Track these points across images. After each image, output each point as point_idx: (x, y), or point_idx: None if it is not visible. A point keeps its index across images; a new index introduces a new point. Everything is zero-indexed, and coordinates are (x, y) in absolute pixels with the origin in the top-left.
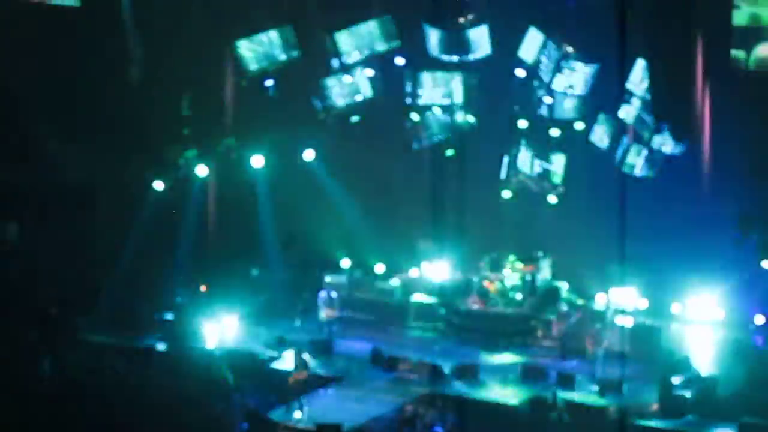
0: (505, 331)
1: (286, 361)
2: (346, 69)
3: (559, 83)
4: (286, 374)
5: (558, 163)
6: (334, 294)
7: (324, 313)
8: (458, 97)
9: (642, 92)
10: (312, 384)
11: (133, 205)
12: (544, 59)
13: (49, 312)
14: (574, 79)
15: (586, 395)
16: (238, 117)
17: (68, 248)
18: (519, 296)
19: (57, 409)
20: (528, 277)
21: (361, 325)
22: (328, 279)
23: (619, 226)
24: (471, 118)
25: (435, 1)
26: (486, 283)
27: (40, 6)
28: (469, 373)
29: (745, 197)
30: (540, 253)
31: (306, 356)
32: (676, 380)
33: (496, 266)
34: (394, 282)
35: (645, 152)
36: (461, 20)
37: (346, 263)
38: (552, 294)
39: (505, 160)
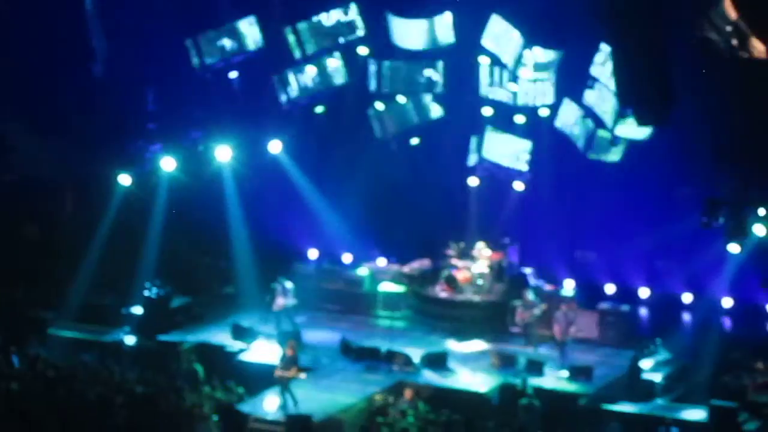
0: (474, 319)
1: (255, 353)
2: (310, 60)
3: (522, 70)
4: (257, 366)
5: (524, 149)
6: (288, 284)
7: (277, 303)
8: (423, 86)
9: (606, 77)
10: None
11: (100, 199)
12: (507, 46)
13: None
14: (538, 65)
15: (555, 381)
16: (203, 110)
17: (35, 243)
18: (487, 283)
19: (27, 405)
20: (496, 264)
21: (329, 315)
22: (295, 270)
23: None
24: (436, 106)
25: None
26: (454, 271)
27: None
28: (439, 361)
29: (711, 181)
30: (507, 240)
31: (292, 350)
32: (645, 364)
33: (465, 254)
34: (362, 271)
35: (610, 137)
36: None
37: (313, 254)
38: (520, 280)
39: (472, 147)
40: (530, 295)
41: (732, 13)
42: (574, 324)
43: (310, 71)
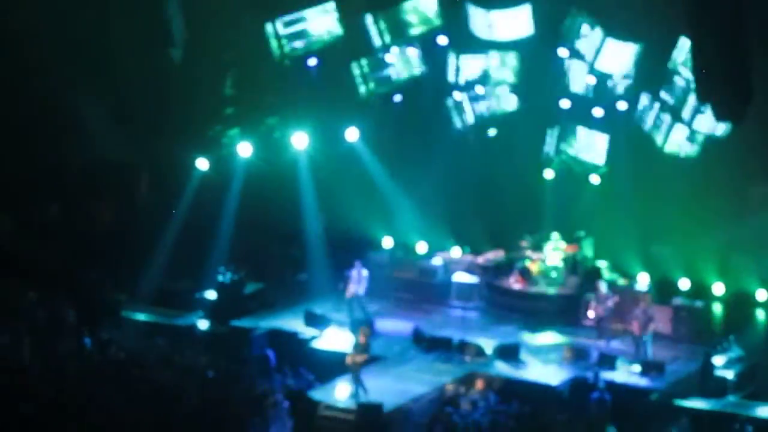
0: (547, 311)
1: (327, 340)
2: (388, 48)
3: (601, 63)
4: (329, 354)
5: (601, 143)
6: (364, 272)
7: (349, 290)
8: (501, 77)
9: (685, 71)
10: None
11: (176, 183)
12: (586, 39)
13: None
14: (617, 58)
15: (627, 376)
16: (281, 97)
17: (111, 227)
18: (561, 276)
19: (99, 388)
20: (570, 257)
21: (402, 304)
22: (369, 258)
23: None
24: (514, 98)
25: None
26: (528, 263)
27: None
28: (511, 352)
29: None
30: (582, 233)
31: (364, 338)
32: (718, 361)
33: (538, 246)
34: (436, 261)
35: (688, 132)
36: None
37: (387, 242)
38: (594, 274)
39: (548, 140)
40: (604, 289)
41: None
42: (653, 320)
43: (389, 60)
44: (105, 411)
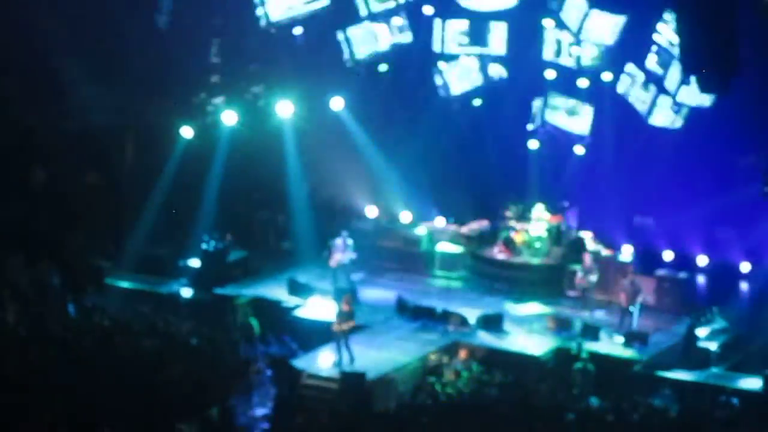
0: (531, 281)
1: (311, 309)
2: (374, 17)
3: (586, 33)
4: (312, 323)
5: (585, 114)
6: (349, 241)
7: (334, 259)
8: (486, 47)
9: (670, 43)
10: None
11: (161, 149)
12: (572, 9)
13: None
14: (602, 29)
15: (610, 346)
16: (266, 65)
17: (95, 192)
18: (545, 246)
19: (84, 353)
20: (554, 228)
21: (385, 273)
22: (354, 227)
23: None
24: (500, 68)
25: None
26: (512, 233)
27: None
28: (494, 322)
29: None
30: (566, 204)
31: (348, 305)
32: (701, 332)
33: (523, 216)
34: (420, 231)
35: (672, 104)
36: None
37: (372, 211)
38: (578, 244)
39: (533, 110)
40: (590, 260)
41: None
42: (641, 292)
43: (375, 28)
44: (89, 377)
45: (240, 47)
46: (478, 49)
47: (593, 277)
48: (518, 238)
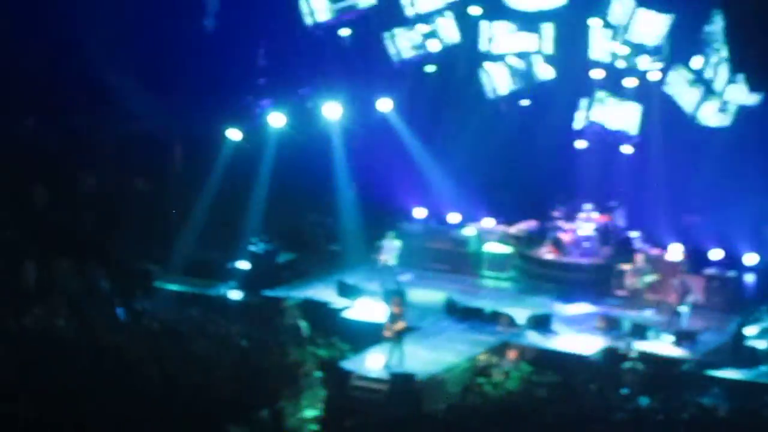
0: (580, 281)
1: (359, 311)
2: (422, 18)
3: (634, 32)
4: (361, 324)
5: (633, 113)
6: (397, 243)
7: (381, 259)
8: (534, 47)
9: (718, 42)
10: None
11: (209, 153)
12: (619, 8)
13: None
14: (650, 28)
15: (660, 346)
16: (314, 67)
17: (144, 197)
18: (593, 246)
19: (133, 357)
20: (602, 227)
21: (434, 274)
22: (402, 229)
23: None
24: (547, 68)
25: None
26: (561, 233)
27: None
28: (543, 322)
29: None
30: (614, 203)
31: (398, 307)
32: (750, 331)
33: (571, 216)
34: (469, 231)
35: (720, 103)
36: None
37: (420, 213)
38: (626, 244)
39: (581, 109)
40: (642, 261)
41: None
42: (691, 292)
43: (422, 29)
44: (140, 381)
45: (287, 49)
46: (525, 49)
47: (648, 278)
48: (566, 238)
